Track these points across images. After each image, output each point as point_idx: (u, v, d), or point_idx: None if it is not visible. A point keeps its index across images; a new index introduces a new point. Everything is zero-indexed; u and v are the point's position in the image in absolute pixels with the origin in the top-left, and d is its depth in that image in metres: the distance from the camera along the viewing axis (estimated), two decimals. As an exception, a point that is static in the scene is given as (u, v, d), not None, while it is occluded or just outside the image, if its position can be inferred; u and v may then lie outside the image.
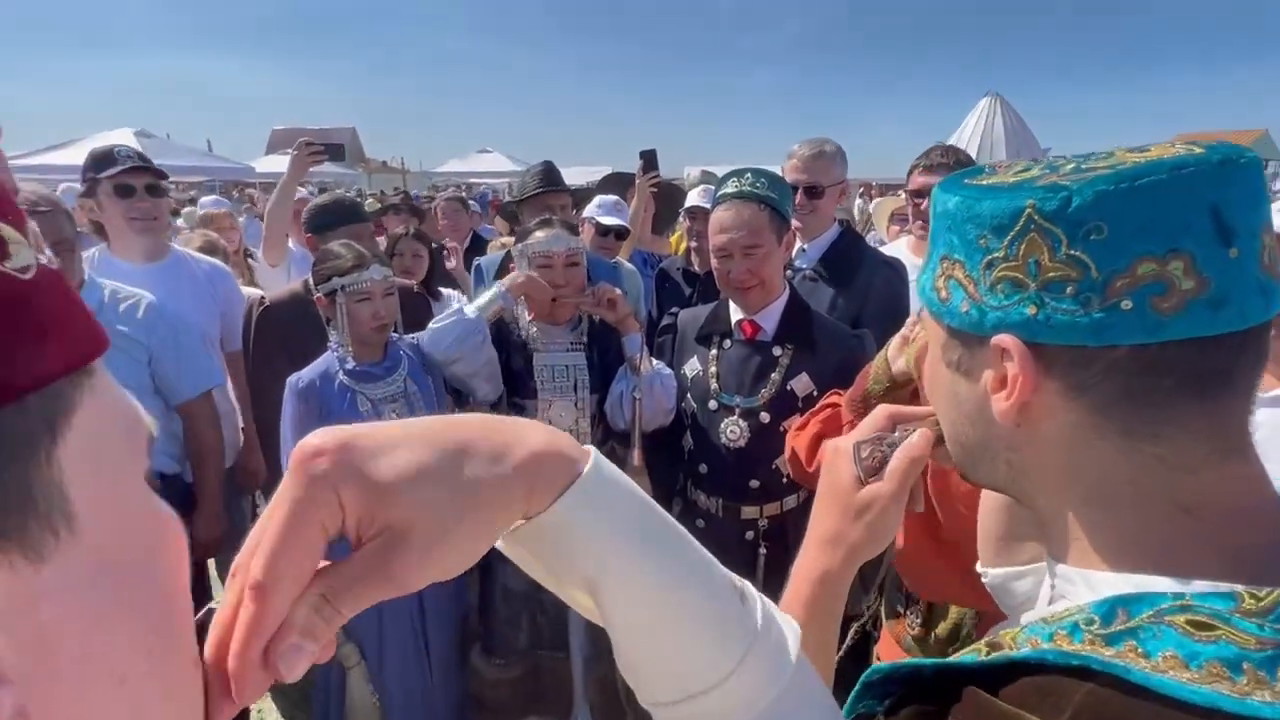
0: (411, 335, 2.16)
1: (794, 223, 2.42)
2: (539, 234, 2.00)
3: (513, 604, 2.09)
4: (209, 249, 3.01)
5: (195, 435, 2.15)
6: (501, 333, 2.04)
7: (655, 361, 2.03)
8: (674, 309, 2.19)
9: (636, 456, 2.00)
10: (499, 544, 0.44)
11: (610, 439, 2.15)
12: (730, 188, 1.86)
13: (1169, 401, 0.47)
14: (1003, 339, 0.50)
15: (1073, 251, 0.47)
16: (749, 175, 1.86)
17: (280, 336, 2.44)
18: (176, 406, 2.12)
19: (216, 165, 17.74)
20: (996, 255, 0.51)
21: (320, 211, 2.67)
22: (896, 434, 0.70)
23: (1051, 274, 0.48)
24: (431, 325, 2.03)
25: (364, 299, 1.93)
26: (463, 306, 2.00)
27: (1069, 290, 0.47)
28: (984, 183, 0.54)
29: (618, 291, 2.02)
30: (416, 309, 2.60)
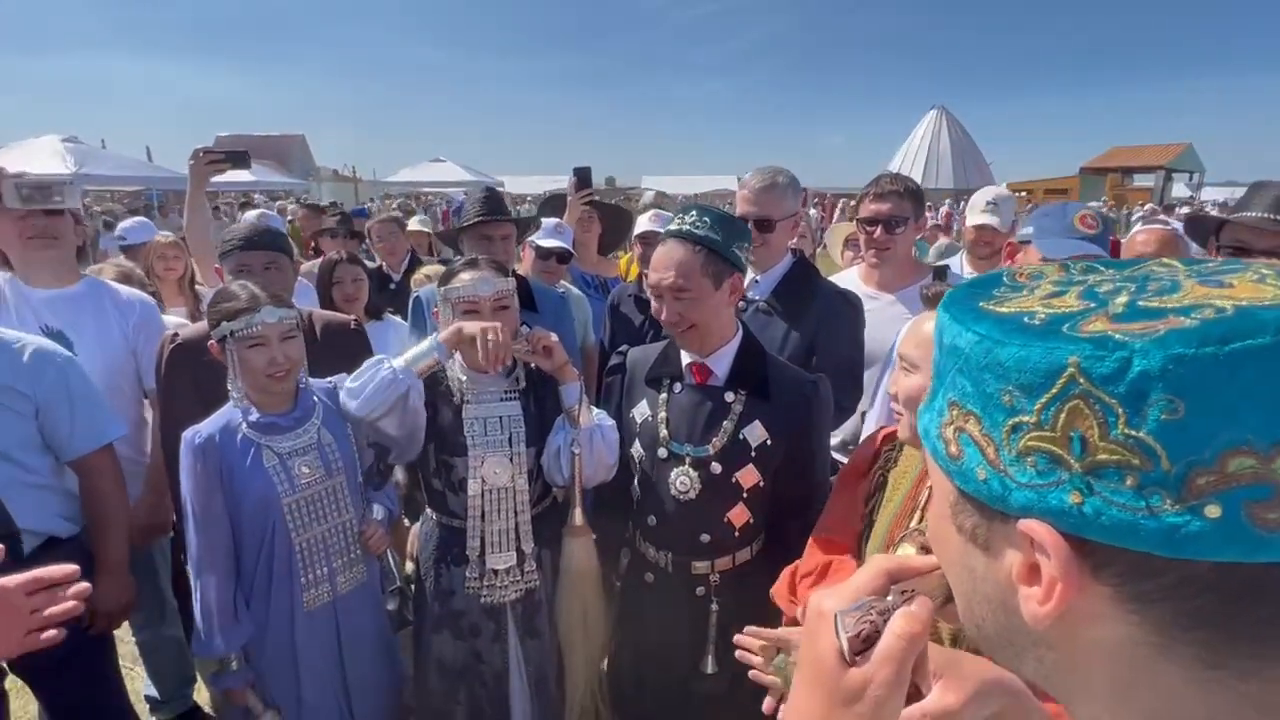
0: (329, 379, 2.00)
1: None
2: (464, 276, 1.85)
3: (448, 678, 1.93)
4: (123, 280, 2.77)
5: (95, 493, 1.94)
6: (427, 383, 1.87)
7: (596, 412, 1.90)
8: (623, 347, 2.08)
9: (578, 515, 1.87)
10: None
11: (549, 495, 2.02)
12: (674, 224, 1.76)
13: (1267, 634, 0.36)
14: (1033, 527, 0.39)
15: (1134, 432, 0.35)
16: (694, 213, 1.74)
17: (192, 377, 2.25)
18: (71, 462, 1.92)
19: (155, 174, 17.11)
20: (1026, 419, 0.39)
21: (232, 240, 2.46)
22: (890, 599, 0.56)
23: (1103, 456, 0.36)
24: (349, 382, 1.85)
25: (257, 344, 1.75)
26: (384, 359, 1.82)
27: (1128, 481, 0.36)
28: (1005, 309, 0.42)
29: (554, 337, 1.87)
30: (351, 345, 2.43)
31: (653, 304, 1.80)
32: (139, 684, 2.68)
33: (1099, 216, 1.97)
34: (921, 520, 1.27)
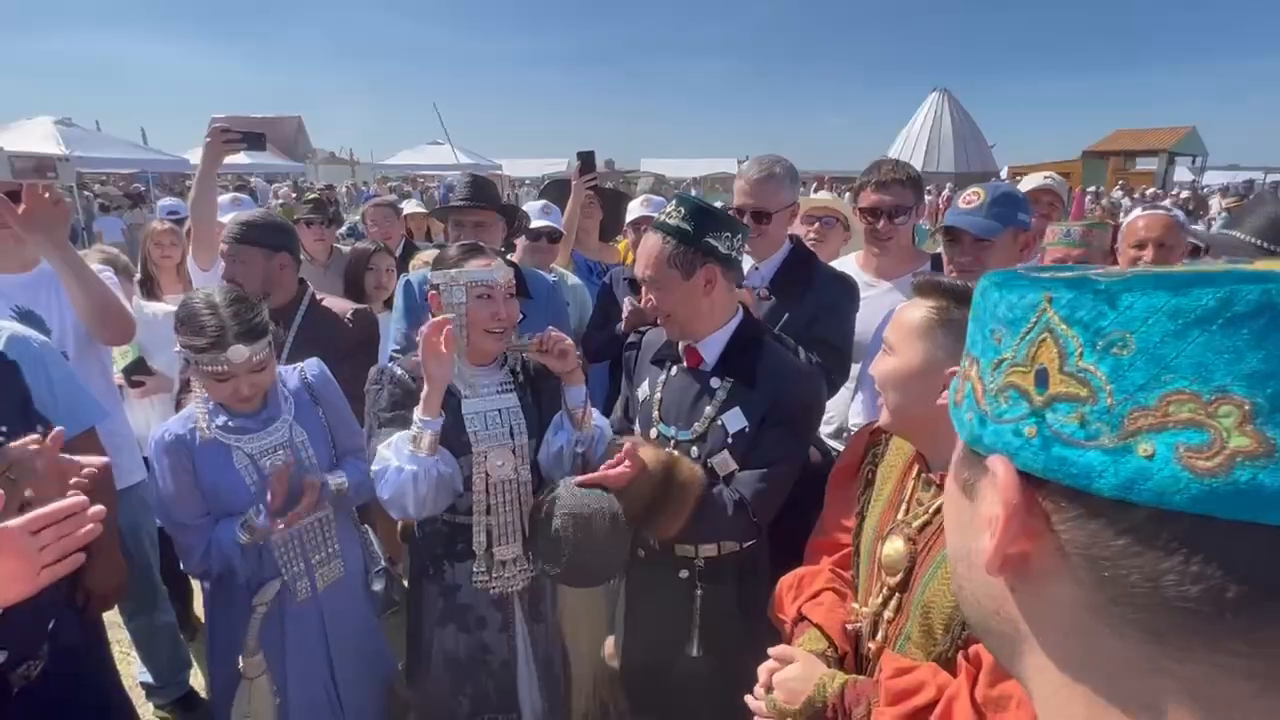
0: (295, 365, 1.98)
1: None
2: (476, 261, 1.80)
3: (456, 671, 1.91)
4: (108, 264, 2.73)
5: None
6: (418, 389, 1.80)
7: (595, 414, 1.90)
8: (644, 327, 2.09)
9: None
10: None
11: (544, 484, 1.99)
12: (660, 214, 1.79)
13: (1202, 608, 0.34)
14: (993, 461, 0.41)
15: (1087, 365, 0.37)
16: (672, 204, 1.77)
17: None
18: (55, 449, 1.89)
19: (151, 157, 16.96)
20: (1007, 355, 0.41)
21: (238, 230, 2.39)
22: None
23: (1059, 389, 0.38)
24: (381, 493, 1.72)
25: (223, 379, 1.71)
26: (391, 461, 1.69)
27: (1076, 414, 0.37)
28: (1025, 271, 0.44)
29: (569, 340, 1.82)
30: (358, 330, 2.48)
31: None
32: (134, 669, 2.69)
33: (986, 189, 2.12)
34: (909, 513, 1.26)
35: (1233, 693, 0.35)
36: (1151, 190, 15.73)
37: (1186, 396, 0.33)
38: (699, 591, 1.80)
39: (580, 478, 1.65)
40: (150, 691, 2.67)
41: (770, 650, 1.31)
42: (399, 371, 1.83)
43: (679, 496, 1.63)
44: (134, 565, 2.16)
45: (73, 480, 1.25)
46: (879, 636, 1.26)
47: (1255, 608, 0.33)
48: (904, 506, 1.27)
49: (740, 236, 1.76)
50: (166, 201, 7.18)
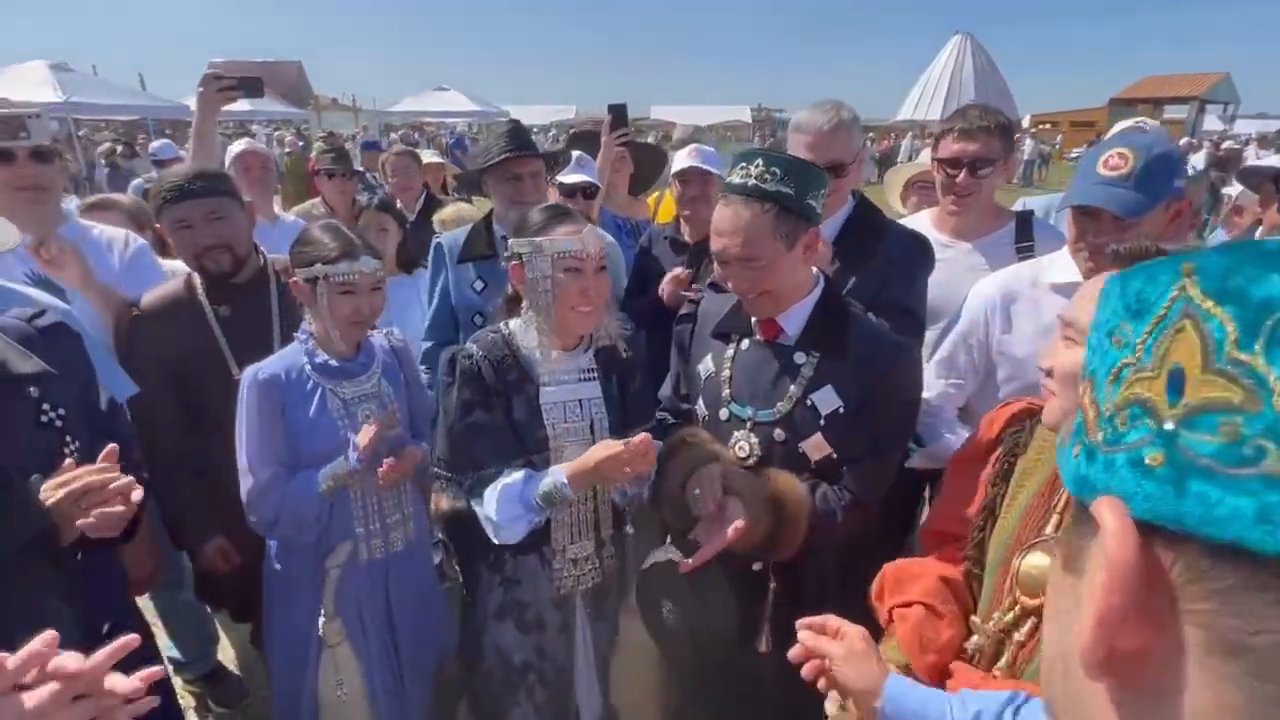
0: (386, 329, 1.94)
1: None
2: (563, 229, 1.59)
3: (509, 672, 1.80)
4: (131, 220, 2.55)
5: None
6: (496, 375, 1.63)
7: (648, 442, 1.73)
8: (699, 293, 1.89)
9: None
10: None
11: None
12: (736, 177, 1.49)
13: None
14: (1100, 505, 0.29)
15: (1243, 355, 0.25)
16: (760, 162, 1.46)
17: (156, 342, 1.96)
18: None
19: (149, 103, 16.65)
20: (1128, 360, 0.30)
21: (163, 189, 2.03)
22: None
23: (1202, 395, 0.26)
24: (507, 540, 1.62)
25: (347, 291, 1.71)
26: (528, 504, 1.58)
27: (1225, 430, 0.25)
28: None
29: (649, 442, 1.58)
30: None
31: (716, 270, 1.59)
32: (160, 642, 2.63)
33: (1137, 151, 1.57)
34: (1060, 527, 1.09)
35: None
36: (1185, 140, 15.15)
37: None
38: (772, 585, 1.66)
39: (688, 564, 1.49)
40: (179, 667, 2.61)
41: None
42: (478, 356, 1.65)
43: (792, 527, 1.49)
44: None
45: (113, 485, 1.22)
46: (1003, 661, 1.12)
47: None
48: (1053, 520, 1.10)
49: (826, 191, 1.55)
50: (156, 145, 7.11)
